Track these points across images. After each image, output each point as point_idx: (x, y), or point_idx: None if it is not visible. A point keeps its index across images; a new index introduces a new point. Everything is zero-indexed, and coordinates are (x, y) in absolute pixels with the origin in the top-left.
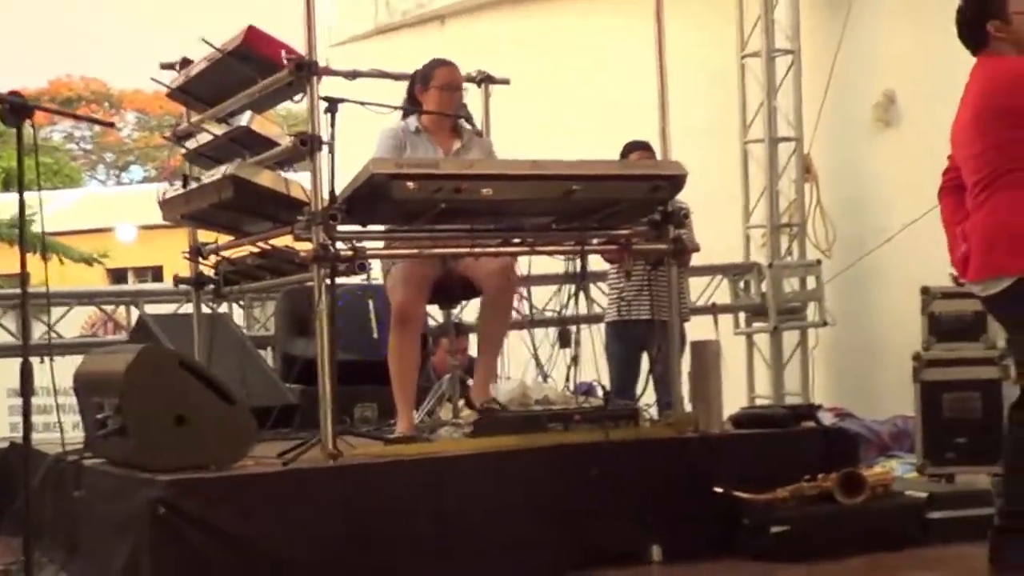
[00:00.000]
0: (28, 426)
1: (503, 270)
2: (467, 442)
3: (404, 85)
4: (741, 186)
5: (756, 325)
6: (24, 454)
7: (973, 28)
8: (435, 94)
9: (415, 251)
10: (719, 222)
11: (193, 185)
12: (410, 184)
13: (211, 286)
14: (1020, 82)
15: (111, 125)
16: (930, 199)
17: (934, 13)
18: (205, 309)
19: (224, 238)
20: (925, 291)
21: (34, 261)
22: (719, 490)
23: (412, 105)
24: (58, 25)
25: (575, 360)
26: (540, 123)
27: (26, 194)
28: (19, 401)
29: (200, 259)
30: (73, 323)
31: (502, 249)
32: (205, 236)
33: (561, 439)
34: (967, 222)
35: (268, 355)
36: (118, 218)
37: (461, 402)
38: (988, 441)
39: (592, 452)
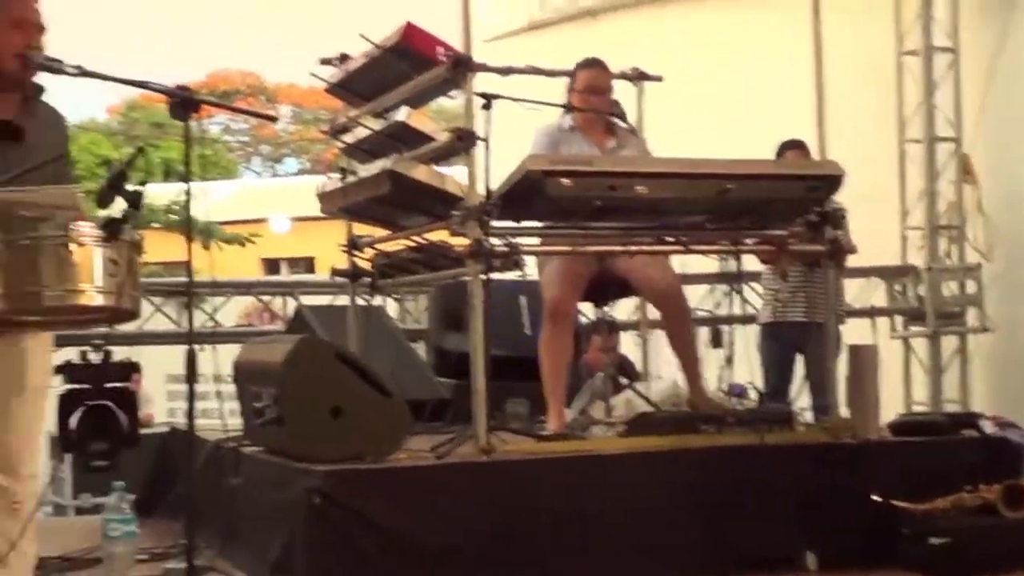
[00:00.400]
0: (192, 413)
1: (665, 280)
2: (619, 441)
3: (558, 81)
4: (899, 186)
5: (914, 329)
6: (187, 440)
7: None
8: (579, 96)
9: (569, 248)
10: (876, 223)
11: (351, 179)
12: (565, 181)
13: (367, 279)
14: None
15: (273, 119)
16: None
17: None
18: (360, 301)
19: (380, 231)
20: None
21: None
22: (876, 498)
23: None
24: (216, 19)
25: (728, 360)
26: (695, 120)
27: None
28: (177, 387)
29: (356, 252)
30: (231, 312)
31: (656, 248)
32: (361, 229)
33: (714, 441)
34: None
35: (421, 349)
36: (272, 209)
37: (613, 400)
38: None
39: (746, 455)
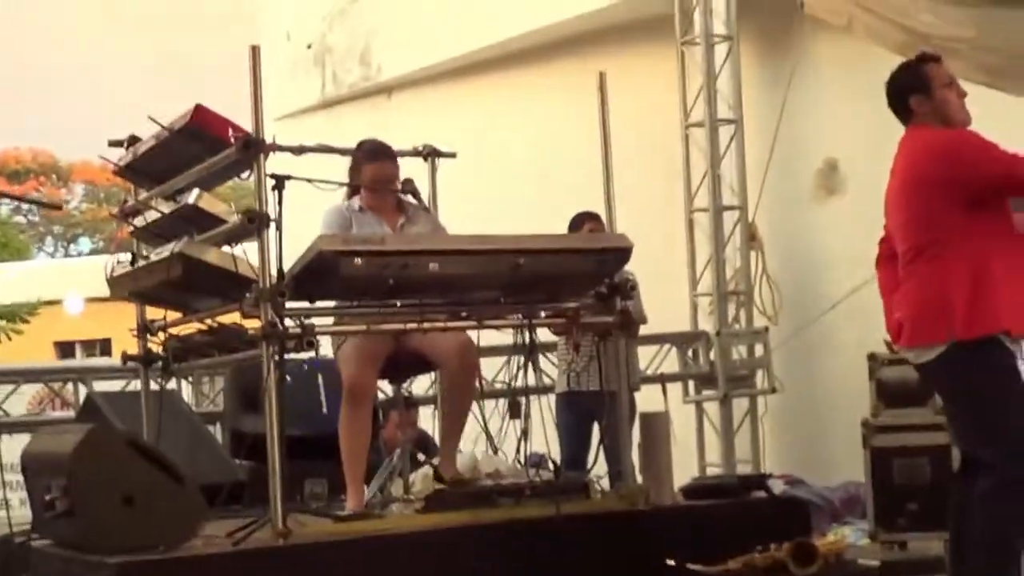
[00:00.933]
0: None
1: (462, 348)
2: (418, 518)
3: (350, 161)
4: (687, 254)
5: (705, 393)
6: None
7: (898, 101)
8: (367, 188)
9: (364, 327)
10: (666, 291)
11: (141, 262)
12: (357, 260)
13: (160, 363)
14: (940, 154)
15: (59, 208)
16: (874, 265)
17: (874, 82)
18: (153, 386)
19: (173, 315)
20: (872, 357)
21: None
22: (671, 562)
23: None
24: (5, 96)
25: (525, 433)
26: (488, 195)
27: None
28: None
29: (148, 336)
30: (21, 400)
31: (450, 324)
32: (154, 312)
33: (512, 514)
34: (899, 290)
35: (217, 431)
36: (65, 290)
37: (411, 477)
38: (939, 506)
39: (543, 527)
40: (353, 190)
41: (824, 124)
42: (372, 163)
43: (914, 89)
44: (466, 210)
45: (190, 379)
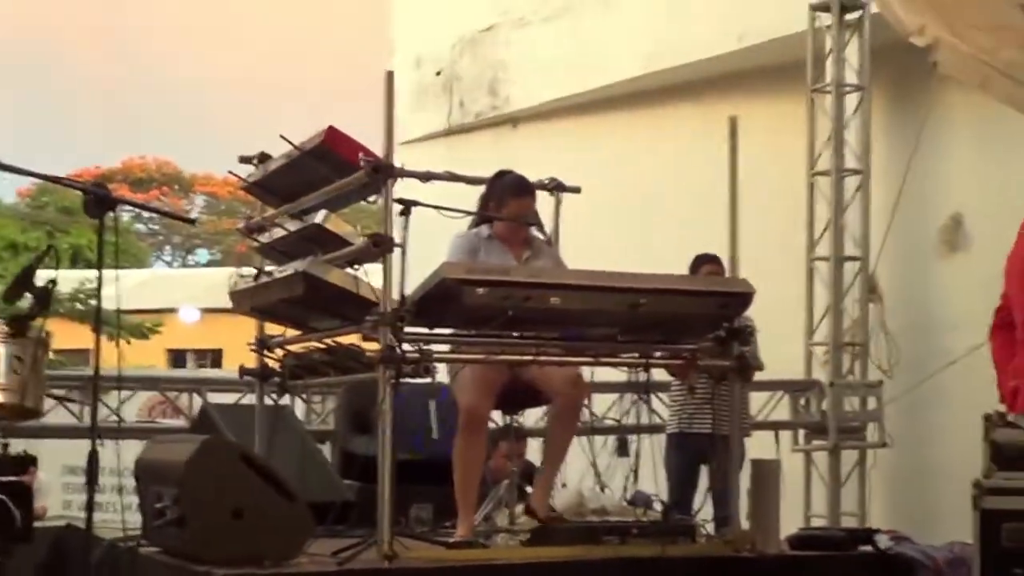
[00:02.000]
0: (91, 514)
1: (573, 381)
2: (524, 551)
3: (476, 189)
4: (805, 303)
5: (815, 443)
6: (83, 538)
7: None
8: (505, 219)
9: (481, 356)
10: (782, 337)
11: (264, 278)
12: (480, 290)
13: (276, 379)
14: None
15: (190, 222)
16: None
17: (1004, 138)
18: (267, 401)
19: (291, 331)
20: (987, 418)
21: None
22: None
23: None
24: (134, 105)
25: (634, 471)
26: (610, 231)
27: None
28: (75, 479)
29: (266, 351)
30: (133, 405)
31: (567, 359)
32: (272, 328)
33: (617, 553)
34: (1019, 357)
35: (327, 450)
36: (181, 299)
37: (518, 508)
38: None
39: (648, 567)
40: (483, 217)
41: (951, 179)
42: (517, 198)
43: None
44: (586, 245)
45: (303, 396)
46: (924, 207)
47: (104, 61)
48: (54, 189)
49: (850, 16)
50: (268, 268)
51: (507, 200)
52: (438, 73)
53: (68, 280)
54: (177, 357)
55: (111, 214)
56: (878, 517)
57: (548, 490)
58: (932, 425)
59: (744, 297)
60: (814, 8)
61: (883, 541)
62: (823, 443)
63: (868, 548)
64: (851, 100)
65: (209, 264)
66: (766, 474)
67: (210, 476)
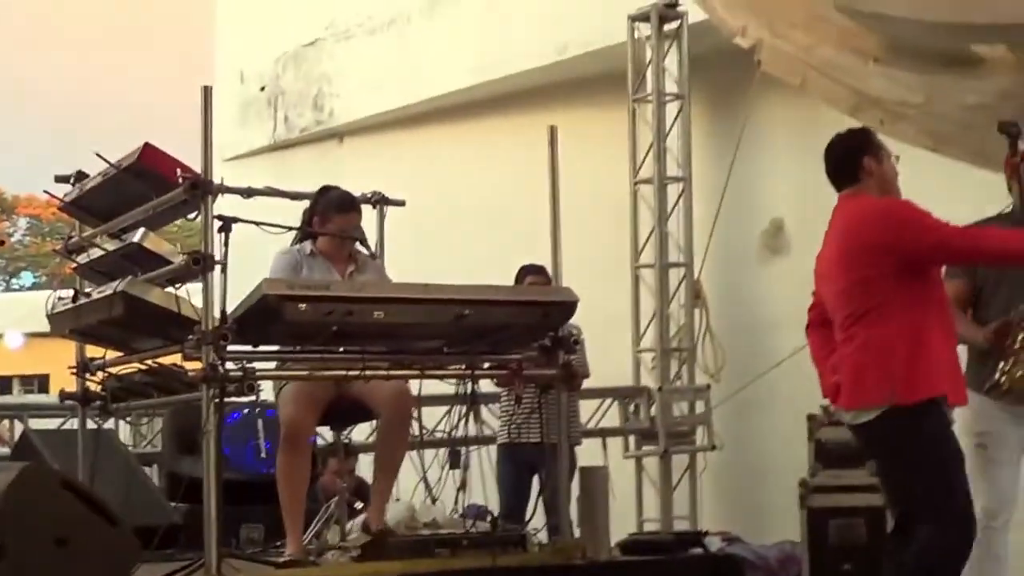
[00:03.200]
0: None
1: (399, 395)
2: (354, 567)
3: (300, 204)
4: (632, 310)
5: (646, 448)
6: None
7: (847, 162)
8: (329, 234)
9: (306, 372)
10: (610, 345)
11: (83, 300)
12: (302, 306)
13: (98, 402)
14: (888, 219)
15: (2, 243)
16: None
17: (821, 145)
18: (91, 424)
19: (113, 353)
20: (811, 418)
21: None
22: None
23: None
24: None
25: (464, 484)
26: (435, 243)
27: None
28: None
29: (87, 374)
30: None
31: (393, 372)
32: (93, 351)
33: (448, 565)
34: (836, 354)
35: (155, 472)
36: (6, 324)
37: (348, 525)
38: (874, 568)
39: None
40: (306, 233)
41: (771, 185)
42: (342, 214)
43: (868, 151)
44: (413, 258)
45: (128, 419)
46: (745, 212)
47: None
48: None
49: (669, 26)
50: (88, 289)
51: (331, 216)
52: (262, 88)
53: None
54: (3, 384)
55: None
56: (710, 519)
57: (383, 505)
58: (759, 427)
59: (567, 306)
60: (633, 19)
61: (714, 543)
62: (653, 448)
63: (698, 550)
64: (671, 109)
65: (34, 287)
66: (595, 481)
67: (31, 503)
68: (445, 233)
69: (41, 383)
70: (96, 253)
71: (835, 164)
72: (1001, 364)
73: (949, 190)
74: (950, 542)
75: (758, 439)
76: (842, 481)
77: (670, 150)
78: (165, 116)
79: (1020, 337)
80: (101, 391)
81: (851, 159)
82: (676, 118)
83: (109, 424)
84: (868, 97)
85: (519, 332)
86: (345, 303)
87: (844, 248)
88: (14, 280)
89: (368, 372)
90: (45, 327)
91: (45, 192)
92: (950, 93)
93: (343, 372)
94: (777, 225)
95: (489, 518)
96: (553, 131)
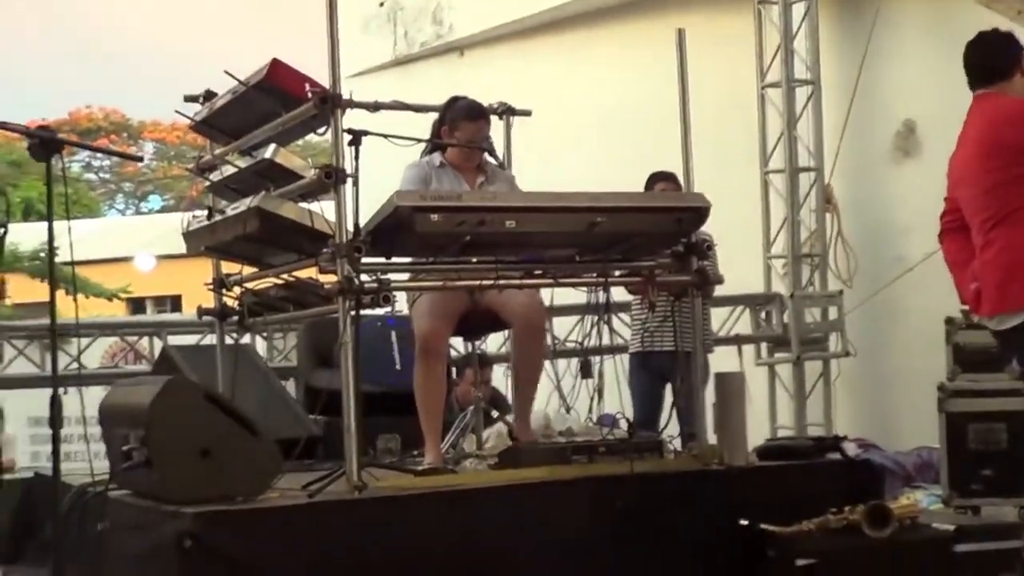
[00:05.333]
0: (57, 458)
1: (531, 306)
2: (492, 474)
3: (425, 117)
4: (762, 216)
5: (778, 355)
6: (52, 485)
7: (995, 59)
8: (458, 144)
9: (440, 283)
10: (740, 252)
11: (217, 217)
12: (434, 216)
13: (234, 317)
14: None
15: (138, 159)
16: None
17: (953, 44)
18: (228, 340)
19: (248, 269)
20: (950, 321)
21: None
22: (745, 522)
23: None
24: (78, 56)
25: (599, 391)
26: (562, 153)
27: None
28: (41, 431)
29: (224, 290)
30: (95, 353)
31: (526, 281)
32: (228, 267)
33: (586, 471)
34: (976, 260)
35: (291, 386)
36: (137, 247)
37: (484, 434)
38: (1014, 473)
39: (617, 484)
40: (434, 146)
41: (902, 86)
42: (471, 122)
43: (1017, 53)
44: (541, 168)
45: (264, 334)
46: (876, 115)
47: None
48: (1, 143)
49: None
50: (221, 207)
51: (460, 124)
52: (381, 4)
53: (30, 240)
54: (136, 306)
55: (58, 159)
56: (844, 426)
57: (527, 415)
58: (894, 333)
59: (700, 211)
60: None
61: (851, 449)
62: (786, 355)
63: (836, 456)
64: (798, 9)
65: (162, 211)
66: (731, 388)
67: (175, 416)
68: (571, 141)
69: (173, 303)
70: (228, 171)
71: (981, 59)
72: None
73: None
74: None
75: (892, 345)
76: (982, 385)
77: (798, 52)
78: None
79: None
80: (238, 306)
81: (999, 56)
82: (803, 19)
83: (246, 339)
84: None
85: (652, 239)
86: (477, 213)
87: (984, 149)
88: (143, 204)
89: (501, 282)
90: (174, 249)
91: (177, 112)
92: None
93: (476, 282)
94: (909, 127)
95: (625, 425)
96: (681, 34)
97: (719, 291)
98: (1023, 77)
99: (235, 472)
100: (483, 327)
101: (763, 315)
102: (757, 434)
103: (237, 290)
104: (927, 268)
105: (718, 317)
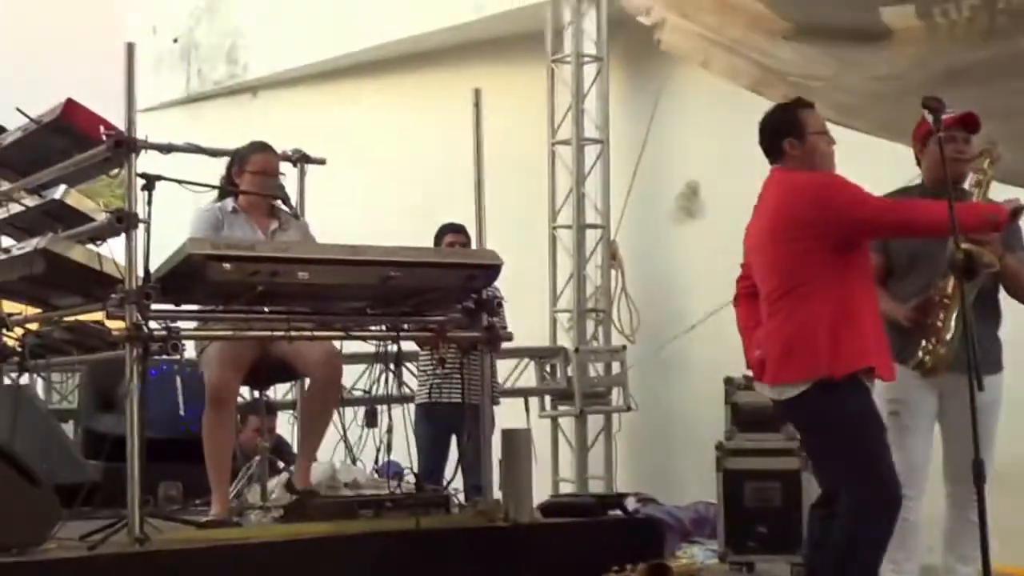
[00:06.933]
0: None
1: (330, 358)
2: (278, 528)
3: (218, 161)
4: (549, 270)
5: (562, 408)
6: None
7: (770, 141)
8: (249, 178)
9: (230, 332)
10: (527, 305)
11: (2, 256)
12: (226, 266)
13: (15, 358)
14: (810, 196)
15: None
16: (732, 288)
17: (737, 111)
18: (7, 381)
19: (32, 310)
20: (728, 381)
21: None
22: None
23: (229, 185)
24: None
25: (386, 443)
26: (355, 201)
27: None
28: None
29: (5, 331)
30: None
31: (317, 333)
32: (11, 307)
33: (372, 527)
34: (762, 328)
35: (70, 428)
36: None
37: (271, 483)
38: (788, 530)
39: (404, 540)
40: (225, 192)
41: (687, 148)
42: (261, 152)
43: (788, 132)
44: (331, 215)
45: (43, 375)
46: (662, 175)
47: None
48: None
49: None
50: (6, 245)
51: (249, 158)
52: (175, 40)
53: None
54: None
55: None
56: (624, 480)
57: (309, 465)
58: (675, 389)
59: (492, 269)
60: None
61: (630, 504)
62: (569, 409)
63: (618, 512)
64: (590, 71)
65: None
66: (518, 443)
67: None
68: (365, 189)
69: None
70: (15, 209)
71: (761, 142)
72: (923, 343)
73: (858, 164)
74: (876, 515)
75: (673, 401)
76: (758, 444)
77: (588, 111)
78: (69, 65)
79: (940, 315)
80: (19, 347)
81: (773, 139)
82: (594, 80)
83: (24, 380)
84: (773, 71)
85: (444, 294)
86: (270, 263)
87: (774, 222)
88: None
89: (293, 332)
90: None
91: None
92: (860, 65)
93: (268, 332)
94: (693, 188)
95: (412, 478)
96: (478, 93)
97: (505, 343)
98: (796, 156)
99: (12, 522)
100: (274, 377)
101: (547, 368)
102: (539, 485)
103: (19, 331)
104: (709, 326)
105: (504, 368)
